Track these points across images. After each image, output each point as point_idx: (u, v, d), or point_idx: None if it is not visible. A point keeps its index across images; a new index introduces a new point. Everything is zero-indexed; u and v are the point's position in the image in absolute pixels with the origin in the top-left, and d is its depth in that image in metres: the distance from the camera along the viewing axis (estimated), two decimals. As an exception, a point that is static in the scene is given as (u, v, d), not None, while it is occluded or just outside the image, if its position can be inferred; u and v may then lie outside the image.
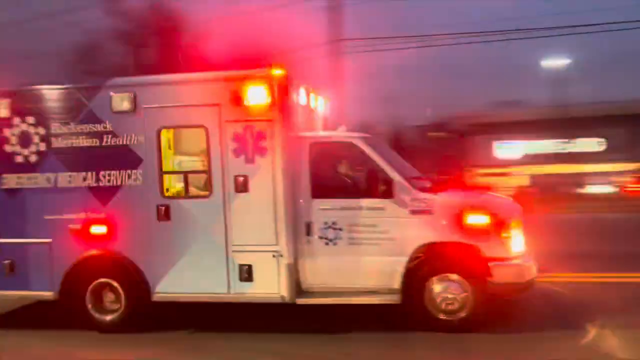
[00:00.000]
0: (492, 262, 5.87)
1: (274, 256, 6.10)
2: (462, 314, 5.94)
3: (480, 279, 5.90)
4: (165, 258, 6.34)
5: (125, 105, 6.40)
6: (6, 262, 6.72)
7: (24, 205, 6.69)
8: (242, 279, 6.16)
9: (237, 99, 6.12)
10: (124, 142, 6.42)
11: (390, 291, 6.09)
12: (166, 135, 6.62)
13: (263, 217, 6.13)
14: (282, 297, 6.12)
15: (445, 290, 5.92)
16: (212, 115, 6.22)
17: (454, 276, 5.94)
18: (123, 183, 6.44)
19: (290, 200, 6.13)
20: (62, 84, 6.71)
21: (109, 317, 6.53)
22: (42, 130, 6.61)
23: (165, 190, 6.46)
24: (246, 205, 6.17)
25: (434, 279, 5.97)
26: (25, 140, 6.67)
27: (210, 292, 6.28)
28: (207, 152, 6.29)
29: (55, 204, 6.60)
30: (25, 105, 6.71)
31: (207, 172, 6.31)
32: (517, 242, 6.06)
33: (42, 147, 6.62)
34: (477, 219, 5.97)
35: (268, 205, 6.13)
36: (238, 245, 6.17)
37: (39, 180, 6.63)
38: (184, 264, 6.30)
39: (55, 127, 6.57)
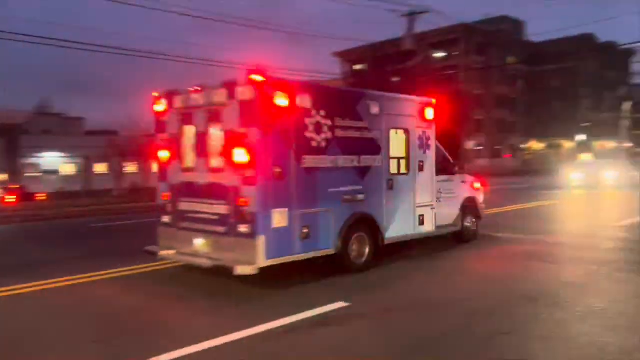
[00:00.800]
0: (480, 205, 12.74)
1: (431, 209, 10.93)
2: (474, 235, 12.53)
3: (479, 215, 12.65)
4: (389, 215, 9.97)
5: (376, 110, 9.62)
6: (305, 229, 8.45)
7: (317, 181, 8.67)
8: (419, 224, 10.65)
9: (421, 114, 10.62)
10: (373, 137, 9.60)
11: (453, 225, 11.93)
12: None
13: (428, 186, 10.85)
14: (433, 232, 11.00)
15: (470, 221, 12.28)
16: (410, 122, 10.43)
17: (471, 214, 12.40)
18: (372, 165, 9.60)
19: (434, 176, 11.20)
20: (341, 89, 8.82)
21: (361, 260, 9.46)
22: (329, 122, 8.84)
23: (390, 170, 10.01)
24: (422, 180, 10.71)
25: (466, 215, 12.26)
26: (319, 129, 8.66)
27: (406, 233, 10.41)
28: (407, 146, 10.37)
29: (335, 180, 9.00)
30: (320, 100, 8.71)
31: (407, 158, 10.38)
32: (482, 196, 13.04)
33: (329, 135, 8.84)
34: (479, 185, 12.71)
35: (430, 179, 10.92)
36: (419, 204, 10.60)
37: (326, 161, 8.84)
38: (397, 218, 10.14)
39: (337, 121, 8.93)
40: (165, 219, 9.51)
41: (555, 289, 8.41)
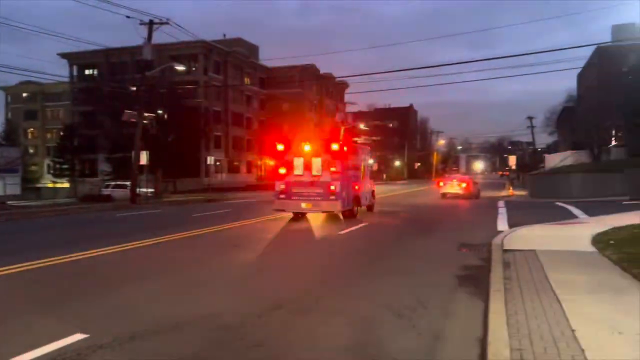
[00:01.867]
0: (375, 194, 29.42)
1: (367, 194, 27.17)
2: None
3: (374, 197, 29.36)
4: (361, 195, 25.67)
5: (359, 151, 25.64)
6: (348, 198, 23.67)
7: (350, 179, 24.06)
8: (365, 200, 26.69)
9: (366, 152, 26.89)
10: (357, 163, 25.34)
11: (369, 202, 28.14)
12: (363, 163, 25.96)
13: (367, 184, 27.18)
14: (367, 204, 27.39)
15: (372, 201, 28.69)
16: (364, 161, 26.64)
17: (373, 198, 28.88)
18: (357, 174, 25.20)
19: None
20: (357, 144, 24.43)
21: (357, 213, 24.84)
22: (352, 157, 24.33)
23: (363, 177, 25.84)
24: (365, 181, 26.93)
25: (372, 198, 28.67)
26: (350, 159, 24.13)
27: (364, 204, 26.43)
28: (364, 169, 26.39)
29: (352, 180, 24.33)
30: (352, 148, 24.25)
31: (363, 172, 26.29)
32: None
33: (352, 162, 24.40)
34: (374, 184, 29.42)
35: (367, 181, 27.36)
36: (364, 191, 26.50)
37: (351, 172, 24.19)
38: (362, 197, 25.86)
39: (352, 156, 24.47)
40: (282, 196, 23.56)
41: (297, 295, 9.41)
